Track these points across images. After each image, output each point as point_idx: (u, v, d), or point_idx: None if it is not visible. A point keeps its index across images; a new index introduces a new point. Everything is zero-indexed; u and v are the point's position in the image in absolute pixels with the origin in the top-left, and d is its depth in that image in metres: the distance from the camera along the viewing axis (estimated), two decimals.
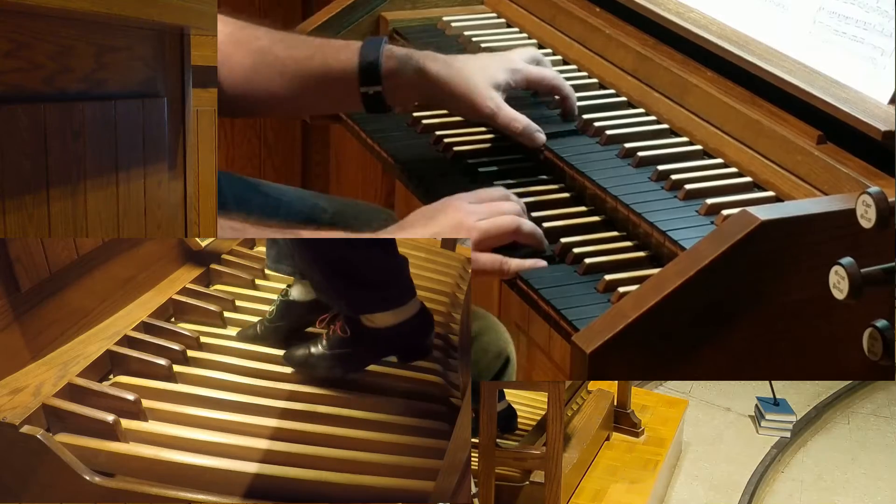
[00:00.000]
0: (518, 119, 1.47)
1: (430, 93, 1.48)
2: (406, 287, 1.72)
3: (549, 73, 1.55)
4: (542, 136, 1.48)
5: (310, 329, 1.89)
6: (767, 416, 3.80)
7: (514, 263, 1.31)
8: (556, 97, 1.56)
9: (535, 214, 1.39)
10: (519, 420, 2.86)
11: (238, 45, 1.45)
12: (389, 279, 1.70)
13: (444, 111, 1.63)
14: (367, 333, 1.71)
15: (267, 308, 2.14)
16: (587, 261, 1.30)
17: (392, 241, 1.70)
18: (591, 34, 1.69)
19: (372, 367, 1.89)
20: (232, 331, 1.98)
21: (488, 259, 1.32)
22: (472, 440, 2.10)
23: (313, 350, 1.73)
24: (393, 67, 1.46)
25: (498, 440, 2.24)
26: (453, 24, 1.86)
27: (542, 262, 1.32)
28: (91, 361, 1.63)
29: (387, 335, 1.71)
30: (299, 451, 1.52)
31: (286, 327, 1.86)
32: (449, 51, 1.76)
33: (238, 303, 2.11)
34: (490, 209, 1.33)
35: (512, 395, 2.96)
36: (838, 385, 4.33)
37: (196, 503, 1.39)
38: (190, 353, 1.81)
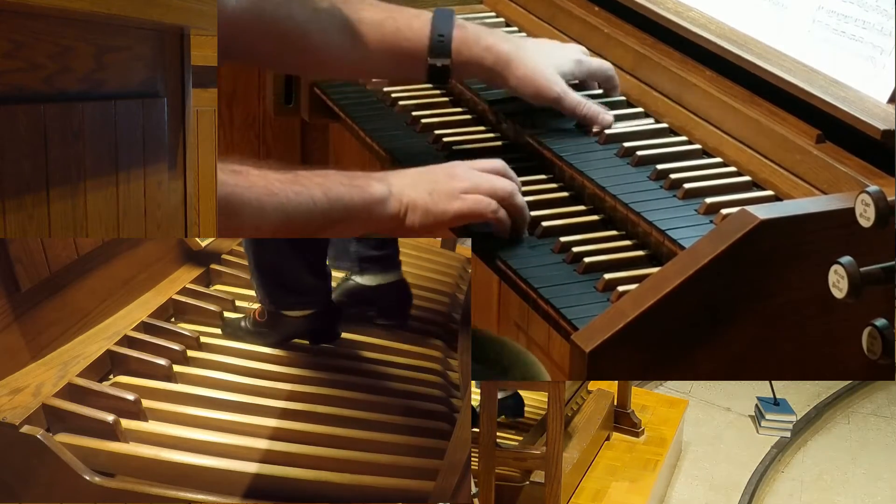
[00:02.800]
0: (583, 103, 1.51)
1: (497, 72, 1.50)
2: (321, 298, 1.97)
3: (606, 64, 1.60)
4: (609, 117, 1.51)
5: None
6: (767, 416, 3.80)
7: (502, 213, 1.33)
8: (607, 87, 1.60)
9: (533, 213, 1.39)
10: (519, 420, 2.86)
11: (304, 4, 1.43)
12: (309, 290, 1.94)
13: (444, 111, 1.63)
14: (280, 320, 1.94)
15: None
16: (586, 260, 1.30)
17: (322, 257, 1.97)
18: (590, 33, 1.69)
19: (372, 368, 1.90)
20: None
21: (474, 200, 1.32)
22: (472, 440, 2.10)
23: (241, 324, 1.97)
24: (464, 42, 1.47)
25: (498, 440, 2.24)
26: None
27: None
28: (91, 361, 1.63)
29: (297, 323, 1.94)
30: (299, 451, 1.52)
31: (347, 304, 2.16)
32: None
33: (238, 303, 2.11)
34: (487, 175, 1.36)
35: None
36: (838, 385, 4.32)
37: (196, 503, 1.39)
38: (190, 353, 1.81)
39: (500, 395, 2.45)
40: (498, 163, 1.38)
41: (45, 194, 1.42)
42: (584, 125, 1.52)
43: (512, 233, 1.34)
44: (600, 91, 1.63)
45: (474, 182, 1.33)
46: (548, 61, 1.52)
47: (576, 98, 1.51)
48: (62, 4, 1.28)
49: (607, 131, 1.50)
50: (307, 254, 1.91)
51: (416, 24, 1.47)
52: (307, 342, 1.99)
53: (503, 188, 1.34)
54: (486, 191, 1.33)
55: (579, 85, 1.59)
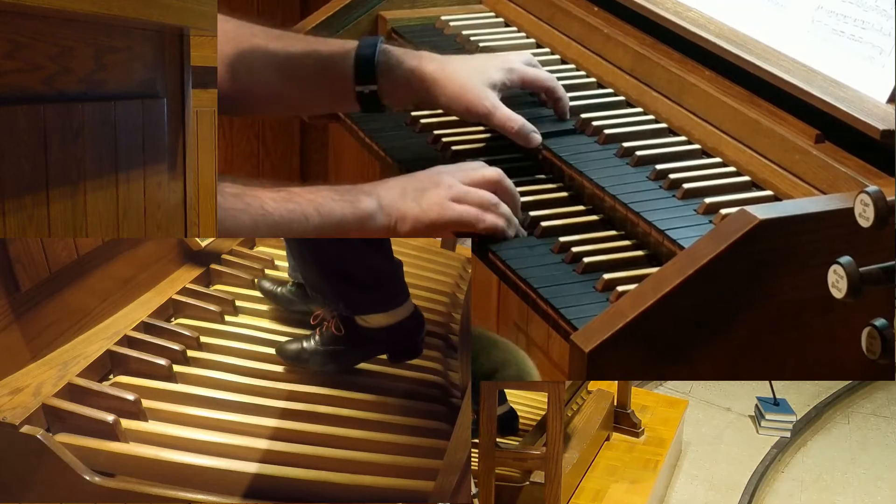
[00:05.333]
0: (513, 119, 1.48)
1: (425, 92, 1.49)
2: (400, 289, 1.77)
3: (545, 74, 1.56)
4: (537, 137, 1.49)
5: None
6: (767, 416, 3.80)
7: (490, 219, 1.33)
8: (550, 99, 1.56)
9: (533, 213, 1.39)
10: (519, 420, 2.85)
11: (233, 43, 1.45)
12: (384, 281, 1.74)
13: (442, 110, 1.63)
14: (360, 333, 1.76)
15: (265, 308, 2.14)
16: (586, 260, 1.30)
17: (387, 244, 1.76)
18: (590, 33, 1.69)
19: (372, 368, 1.89)
20: (231, 328, 1.98)
21: (463, 210, 1.32)
22: (472, 440, 2.10)
23: (306, 345, 1.79)
24: (388, 66, 1.47)
25: (498, 440, 2.24)
26: (451, 24, 1.86)
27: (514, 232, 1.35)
28: (91, 361, 1.63)
29: (379, 335, 1.77)
30: (299, 451, 1.52)
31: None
32: (447, 50, 1.76)
33: (238, 303, 2.11)
34: (471, 182, 1.36)
35: (512, 395, 2.96)
36: (838, 385, 4.32)
37: (196, 503, 1.39)
38: (190, 353, 1.81)
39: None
40: (489, 171, 1.38)
41: (44, 195, 1.42)
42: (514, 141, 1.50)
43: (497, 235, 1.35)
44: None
45: (461, 191, 1.34)
46: (476, 75, 1.49)
47: (506, 113, 1.47)
48: (62, 5, 1.28)
49: (607, 131, 1.50)
50: (366, 242, 1.71)
51: (340, 54, 1.48)
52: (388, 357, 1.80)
53: (488, 200, 1.35)
54: (474, 201, 1.34)
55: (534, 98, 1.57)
